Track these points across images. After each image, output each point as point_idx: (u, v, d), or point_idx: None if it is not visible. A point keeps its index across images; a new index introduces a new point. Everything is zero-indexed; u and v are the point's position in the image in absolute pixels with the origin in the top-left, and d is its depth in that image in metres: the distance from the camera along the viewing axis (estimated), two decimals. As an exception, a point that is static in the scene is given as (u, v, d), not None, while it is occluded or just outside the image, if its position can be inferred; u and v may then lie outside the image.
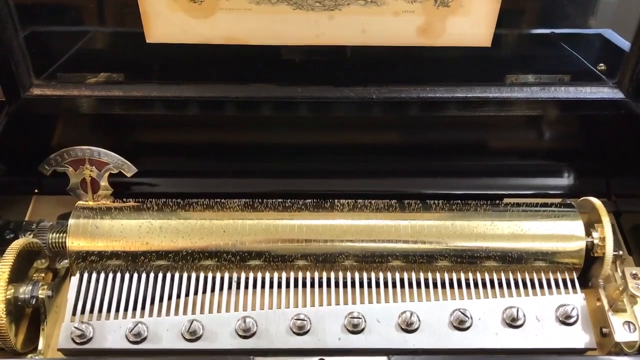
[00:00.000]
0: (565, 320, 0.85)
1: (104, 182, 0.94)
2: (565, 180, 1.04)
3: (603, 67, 0.96)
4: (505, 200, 1.01)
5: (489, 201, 0.96)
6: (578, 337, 0.84)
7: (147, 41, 0.89)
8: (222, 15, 0.87)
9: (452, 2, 0.86)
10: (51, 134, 0.97)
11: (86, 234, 0.88)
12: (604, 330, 0.85)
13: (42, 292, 0.84)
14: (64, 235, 0.89)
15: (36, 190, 1.02)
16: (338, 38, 0.89)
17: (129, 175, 0.94)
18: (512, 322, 0.84)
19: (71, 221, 0.89)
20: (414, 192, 1.02)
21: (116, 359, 0.82)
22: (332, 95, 0.91)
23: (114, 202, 0.93)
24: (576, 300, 0.87)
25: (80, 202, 0.93)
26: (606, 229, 0.88)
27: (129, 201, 0.93)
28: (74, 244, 0.88)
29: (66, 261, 0.90)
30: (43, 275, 0.89)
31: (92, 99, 0.91)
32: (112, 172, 0.93)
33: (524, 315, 0.84)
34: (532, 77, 0.94)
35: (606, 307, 0.85)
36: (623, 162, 1.00)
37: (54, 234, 0.90)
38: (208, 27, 0.88)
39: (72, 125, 0.98)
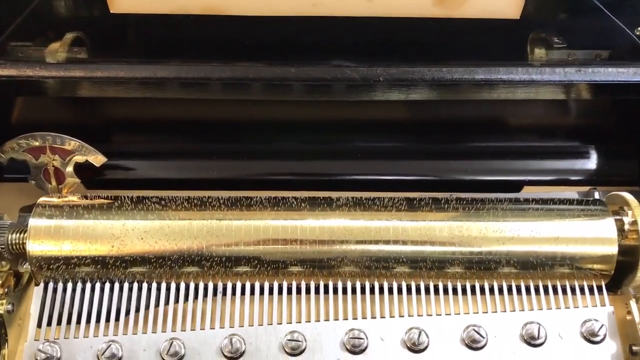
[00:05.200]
0: (591, 337, 0.76)
1: (70, 168, 0.82)
2: (593, 164, 0.94)
3: (643, 32, 0.84)
4: (526, 188, 0.91)
5: (507, 189, 0.86)
6: (605, 356, 0.76)
7: (111, 11, 0.75)
8: (200, -19, 0.73)
9: (477, -32, 0.72)
10: (7, 116, 0.85)
11: (49, 236, 0.77)
12: (634, 348, 0.77)
13: (1, 308, 0.75)
14: (25, 236, 0.78)
15: (-5, 177, 0.91)
16: (339, 8, 0.77)
17: (97, 165, 0.82)
18: (532, 340, 0.76)
19: (32, 222, 0.78)
20: (422, 178, 0.92)
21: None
22: (331, 76, 0.78)
23: (81, 198, 0.82)
24: (603, 314, 0.78)
25: (42, 199, 0.81)
26: (641, 232, 0.78)
27: (99, 197, 0.81)
28: (35, 248, 0.77)
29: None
30: (1, 281, 0.78)
31: (50, 80, 0.77)
32: (78, 161, 0.82)
33: (545, 333, 0.76)
34: (566, 54, 0.81)
35: (637, 320, 0.77)
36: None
37: (14, 235, 0.79)
38: (184, -5, 0.74)
39: (31, 106, 0.85)
